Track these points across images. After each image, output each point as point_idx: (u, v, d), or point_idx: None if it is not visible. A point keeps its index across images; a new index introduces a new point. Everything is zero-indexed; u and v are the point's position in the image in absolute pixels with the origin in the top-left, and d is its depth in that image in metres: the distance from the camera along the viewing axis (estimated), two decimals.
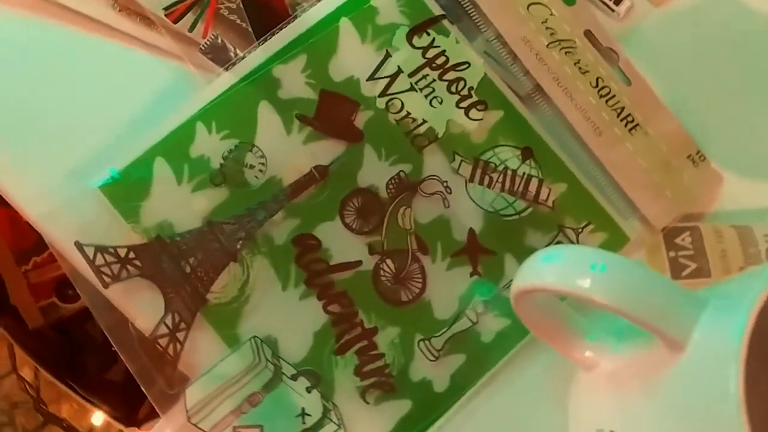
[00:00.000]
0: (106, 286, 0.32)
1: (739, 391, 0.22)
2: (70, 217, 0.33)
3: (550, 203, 0.36)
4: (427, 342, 0.34)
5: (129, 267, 0.33)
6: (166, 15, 0.35)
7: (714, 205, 0.39)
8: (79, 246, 0.32)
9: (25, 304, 0.71)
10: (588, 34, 0.39)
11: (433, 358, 0.34)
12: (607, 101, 0.38)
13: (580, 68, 0.38)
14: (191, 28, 0.36)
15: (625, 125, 0.38)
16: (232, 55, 0.35)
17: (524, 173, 0.36)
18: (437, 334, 0.34)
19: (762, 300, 0.24)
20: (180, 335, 0.33)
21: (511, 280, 0.33)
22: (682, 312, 0.24)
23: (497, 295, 0.35)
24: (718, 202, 0.39)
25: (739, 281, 0.29)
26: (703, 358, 0.24)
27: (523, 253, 0.35)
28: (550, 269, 0.26)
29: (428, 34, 0.37)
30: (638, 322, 0.24)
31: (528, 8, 0.39)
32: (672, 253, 0.36)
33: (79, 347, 0.71)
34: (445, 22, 0.37)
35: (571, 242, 0.36)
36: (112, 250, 0.33)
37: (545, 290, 0.26)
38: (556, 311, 0.30)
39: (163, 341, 0.32)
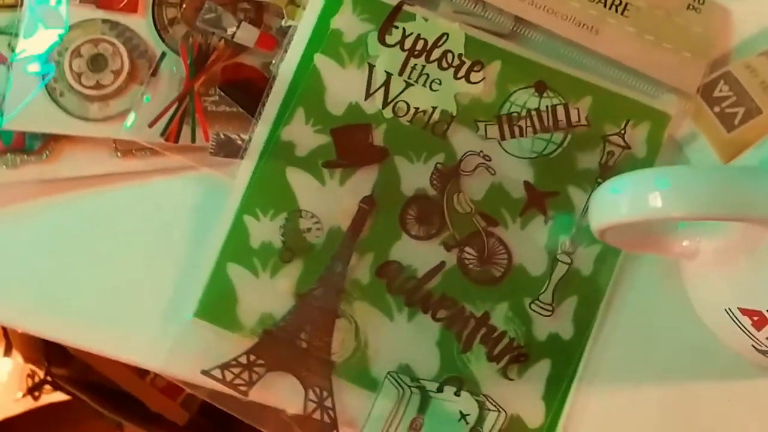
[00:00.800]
0: (245, 394, 0.35)
1: None
2: (184, 354, 0.35)
3: (584, 121, 0.36)
4: (537, 302, 0.35)
5: (255, 369, 0.35)
6: (165, 140, 0.36)
7: (732, 41, 0.38)
8: (205, 373, 0.35)
9: (166, 407, 0.75)
10: None
11: (549, 313, 0.35)
12: None
13: None
14: (193, 138, 0.37)
15: (616, 11, 0.37)
16: (240, 142, 0.37)
17: (547, 106, 0.36)
18: (542, 291, 0.35)
19: None
20: (327, 402, 0.35)
21: (585, 209, 0.34)
22: (756, 194, 0.24)
23: (578, 228, 0.36)
24: (734, 36, 0.38)
25: None
26: None
27: (583, 180, 0.36)
28: (620, 202, 0.27)
29: (397, 27, 0.37)
30: (720, 219, 0.24)
31: None
32: (716, 108, 0.36)
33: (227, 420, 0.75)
34: (405, 8, 0.37)
35: (620, 147, 0.36)
36: (234, 362, 0.35)
37: (621, 224, 0.27)
38: (639, 226, 0.31)
39: (316, 415, 0.35)
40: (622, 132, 0.36)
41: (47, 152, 0.37)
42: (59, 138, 0.37)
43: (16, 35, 0.38)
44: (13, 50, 0.38)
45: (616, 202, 0.27)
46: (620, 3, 0.37)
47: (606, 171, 0.36)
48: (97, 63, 0.37)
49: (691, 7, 0.38)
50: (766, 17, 0.38)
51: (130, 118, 0.37)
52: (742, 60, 0.36)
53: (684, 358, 0.36)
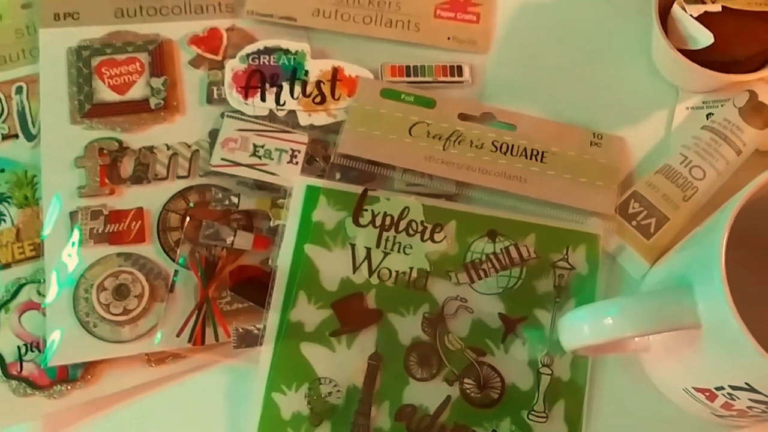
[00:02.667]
0: None
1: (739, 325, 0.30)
2: None
3: (533, 254, 0.44)
4: (533, 412, 0.42)
5: None
6: (192, 344, 0.42)
7: (632, 163, 0.47)
8: None
9: None
10: (461, 115, 0.47)
11: (544, 420, 0.42)
12: (511, 153, 0.46)
13: (476, 145, 0.46)
14: (216, 337, 0.43)
15: (536, 159, 0.46)
16: (256, 331, 0.43)
17: (501, 249, 0.44)
18: (535, 402, 0.42)
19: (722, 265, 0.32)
20: None
21: (552, 325, 0.41)
22: (683, 307, 0.32)
23: (550, 342, 0.43)
24: (633, 158, 0.47)
25: (692, 250, 0.37)
26: (714, 320, 0.32)
27: (544, 302, 0.43)
28: (583, 329, 0.34)
29: (366, 210, 0.45)
30: (662, 332, 0.32)
31: (410, 133, 0.47)
32: (634, 222, 0.44)
33: None
34: (369, 193, 0.45)
35: (567, 269, 0.44)
36: None
37: (586, 346, 0.35)
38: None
39: None
40: (566, 257, 0.44)
41: (89, 376, 0.43)
42: (98, 362, 0.43)
43: (43, 282, 0.43)
44: (43, 295, 0.43)
45: (580, 330, 0.34)
46: (538, 153, 0.46)
47: (561, 291, 0.44)
48: (120, 292, 0.43)
49: (593, 143, 0.47)
50: (654, 140, 0.48)
51: (158, 333, 0.43)
52: (643, 179, 0.45)
53: (659, 428, 0.43)
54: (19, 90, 0.47)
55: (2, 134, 0.46)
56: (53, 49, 0.48)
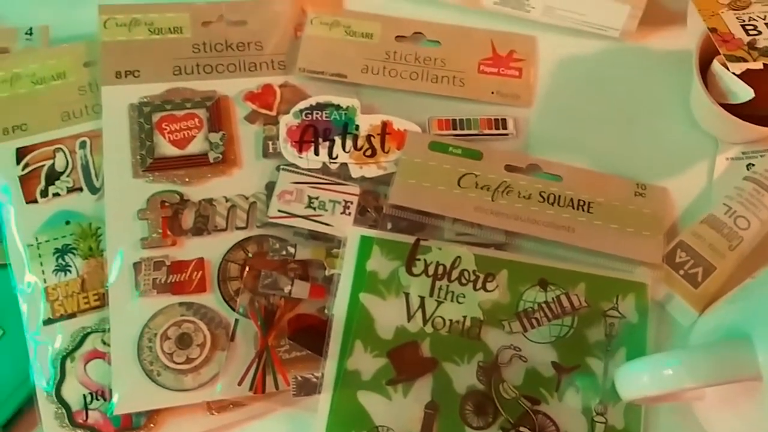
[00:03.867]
0: None
1: None
2: None
3: (584, 303, 0.45)
4: None
5: None
6: (254, 393, 0.43)
7: (677, 213, 0.49)
8: None
9: None
10: (508, 167, 0.49)
11: None
12: (558, 203, 0.48)
13: (524, 196, 0.48)
14: (276, 385, 0.44)
15: (583, 209, 0.48)
16: (314, 380, 0.44)
17: (552, 298, 0.45)
18: None
19: None
20: None
21: (605, 374, 0.42)
22: (743, 359, 0.32)
23: (603, 390, 0.44)
24: (677, 209, 0.49)
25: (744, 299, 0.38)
26: None
27: (596, 350, 0.44)
28: (643, 381, 0.35)
29: (419, 260, 0.46)
30: (722, 384, 0.33)
31: (459, 184, 0.48)
32: (681, 271, 0.45)
33: None
34: (422, 243, 0.46)
35: (617, 318, 0.45)
36: None
37: (645, 396, 0.35)
38: None
39: None
40: (616, 306, 0.45)
41: (152, 424, 0.44)
42: (161, 410, 0.44)
43: (107, 331, 0.45)
44: (107, 344, 0.45)
45: (640, 380, 0.35)
46: (585, 203, 0.48)
47: (612, 339, 0.45)
48: (183, 341, 0.44)
49: (637, 194, 0.49)
50: (696, 190, 0.49)
51: (220, 382, 0.44)
52: (689, 229, 0.47)
53: None
54: (82, 145, 0.49)
55: (67, 187, 0.48)
56: (115, 106, 0.50)
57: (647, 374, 0.35)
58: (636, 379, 0.36)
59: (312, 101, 0.51)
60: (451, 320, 0.45)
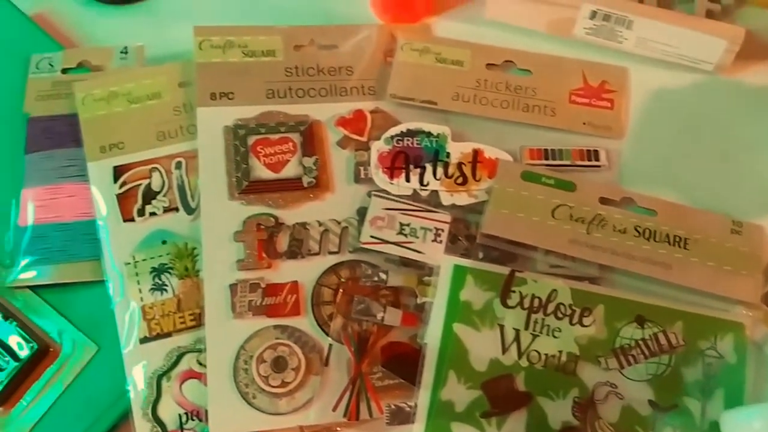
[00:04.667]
0: None
1: None
2: None
3: (682, 342, 0.45)
4: None
5: None
6: (348, 419, 0.43)
7: None
8: None
9: None
10: (602, 199, 0.49)
11: None
12: (654, 239, 0.47)
13: (619, 230, 0.47)
14: (369, 413, 0.44)
15: (679, 246, 0.47)
16: (408, 409, 0.44)
17: (649, 335, 0.45)
18: None
19: None
20: None
21: (703, 415, 0.41)
22: None
23: (700, 430, 0.43)
24: None
25: None
26: None
27: (694, 390, 0.44)
28: (751, 428, 0.35)
29: (514, 291, 0.46)
30: None
31: (553, 216, 0.48)
32: None
33: None
34: (516, 274, 0.46)
35: (715, 358, 0.44)
36: None
37: None
38: None
39: None
40: (714, 345, 0.45)
41: None
42: None
43: (203, 351, 0.45)
44: (203, 365, 0.45)
45: (750, 427, 0.35)
46: (681, 239, 0.47)
47: (709, 380, 0.44)
48: (279, 364, 0.45)
49: (733, 231, 0.48)
50: None
51: (314, 407, 0.44)
52: None
53: None
54: (178, 165, 0.50)
55: (164, 207, 0.49)
56: (211, 127, 0.51)
57: (758, 422, 0.35)
58: (746, 426, 0.35)
59: (403, 128, 0.51)
60: (546, 354, 0.45)
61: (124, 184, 0.49)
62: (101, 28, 0.58)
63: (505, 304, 0.46)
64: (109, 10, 0.58)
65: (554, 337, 0.45)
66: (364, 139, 0.52)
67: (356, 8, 0.58)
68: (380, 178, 0.50)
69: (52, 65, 0.54)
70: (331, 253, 0.48)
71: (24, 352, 0.46)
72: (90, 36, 0.57)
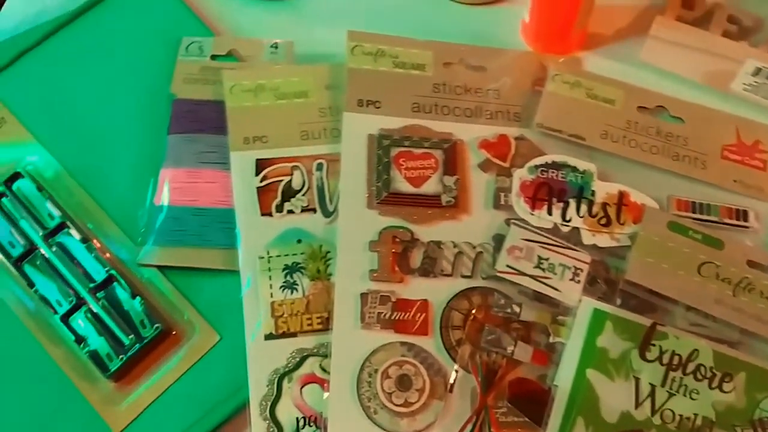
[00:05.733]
0: None
1: None
2: None
3: None
4: None
5: None
6: None
7: None
8: None
9: None
10: (750, 262, 0.47)
11: None
12: None
13: (766, 297, 0.45)
14: None
15: None
16: None
17: None
18: None
19: None
20: None
21: None
22: None
23: None
24: None
25: None
26: None
27: None
28: None
29: (654, 345, 0.44)
30: None
31: (699, 272, 0.46)
32: None
33: None
34: (658, 327, 0.44)
35: None
36: None
37: None
38: None
39: None
40: None
41: None
42: None
43: (327, 357, 0.45)
44: (326, 371, 0.44)
45: None
46: None
47: None
48: (403, 383, 0.44)
49: None
50: None
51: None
52: None
53: None
54: (319, 167, 0.50)
55: (302, 206, 0.49)
56: (355, 134, 0.50)
57: None
58: None
59: (548, 159, 0.50)
60: (681, 416, 0.43)
61: (265, 178, 0.49)
62: (250, 19, 0.58)
63: (643, 357, 0.44)
64: (261, 2, 0.58)
65: (691, 398, 0.43)
66: (506, 165, 0.51)
67: (506, 32, 0.57)
68: (521, 207, 0.49)
69: (201, 50, 0.55)
70: (463, 276, 0.47)
71: (148, 332, 0.46)
72: (238, 26, 0.58)
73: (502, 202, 0.49)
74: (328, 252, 0.47)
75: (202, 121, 0.52)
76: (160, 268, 0.48)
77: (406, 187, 0.49)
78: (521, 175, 0.50)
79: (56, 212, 0.49)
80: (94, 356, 0.45)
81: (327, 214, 0.49)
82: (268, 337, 0.45)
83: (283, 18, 0.58)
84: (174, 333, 0.46)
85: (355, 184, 0.49)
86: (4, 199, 0.50)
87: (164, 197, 0.49)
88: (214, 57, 0.55)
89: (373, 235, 0.47)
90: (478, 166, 0.50)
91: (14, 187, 0.50)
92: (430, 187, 0.49)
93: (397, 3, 0.59)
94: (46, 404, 0.45)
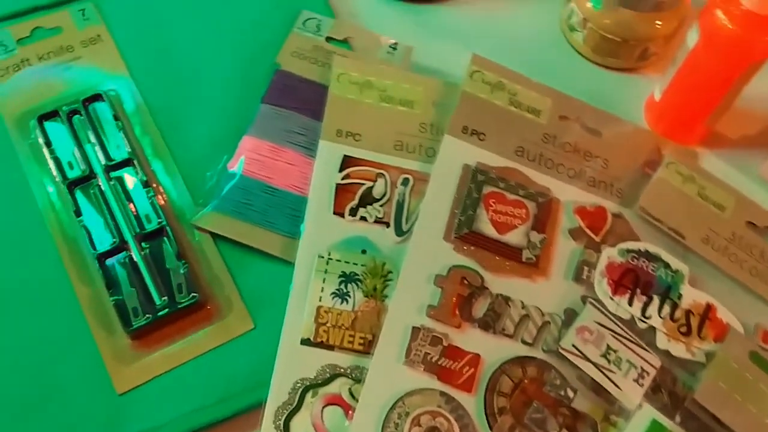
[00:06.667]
0: None
1: None
2: None
3: None
4: None
5: None
6: None
7: None
8: None
9: None
10: None
11: None
12: None
13: None
14: None
15: None
16: None
17: None
18: None
19: None
20: None
21: None
22: None
23: None
24: None
25: None
26: None
27: None
28: None
29: None
30: None
31: None
32: None
33: None
34: None
35: None
36: None
37: None
38: None
39: None
40: None
41: None
42: None
43: (359, 382, 0.41)
44: (354, 398, 0.41)
45: None
46: None
47: None
48: None
49: None
50: None
51: None
52: None
53: None
54: (405, 182, 0.47)
55: (376, 217, 0.45)
56: (451, 159, 0.47)
57: None
58: None
59: (642, 246, 0.47)
60: None
61: (347, 176, 0.46)
62: (373, 12, 0.55)
63: None
64: (391, 0, 0.56)
65: None
66: (597, 238, 0.47)
67: (629, 102, 0.54)
68: (602, 288, 0.45)
69: (318, 28, 0.52)
70: (524, 342, 0.43)
71: (183, 298, 0.43)
72: (359, 14, 0.55)
73: (584, 276, 0.46)
74: (390, 272, 0.44)
75: (300, 100, 0.49)
76: (214, 235, 0.45)
77: (489, 229, 0.46)
78: (611, 254, 0.46)
79: (126, 146, 0.46)
80: (120, 307, 0.42)
81: (400, 232, 0.45)
82: (305, 342, 0.42)
83: (406, 20, 0.56)
84: (208, 307, 0.43)
85: (437, 210, 0.46)
86: (76, 117, 0.48)
87: (239, 165, 0.47)
88: (328, 39, 0.52)
89: (442, 269, 0.44)
90: (569, 231, 0.47)
91: (90, 107, 0.48)
92: (514, 237, 0.46)
93: (524, 37, 0.56)
94: (54, 339, 0.42)
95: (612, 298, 0.45)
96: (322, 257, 0.44)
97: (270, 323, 0.43)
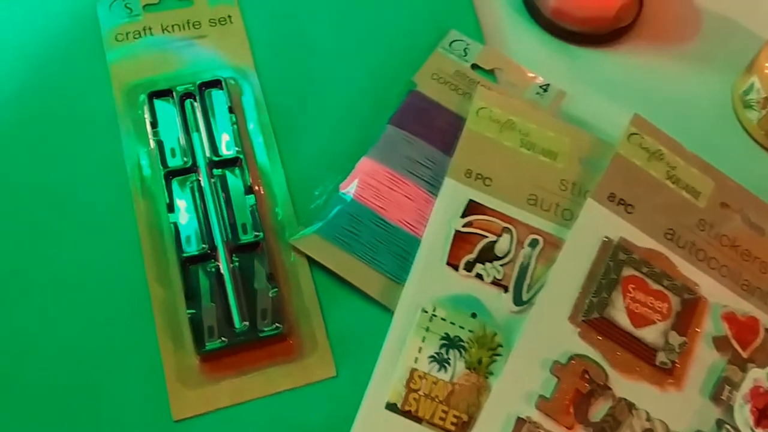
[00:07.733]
0: None
1: None
2: None
3: None
4: None
5: None
6: None
7: None
8: None
9: None
10: None
11: None
12: None
13: None
14: None
15: None
16: None
17: None
18: None
19: None
20: None
21: None
22: None
23: None
24: None
25: None
26: None
27: None
28: None
29: None
30: None
31: None
32: None
33: None
34: None
35: None
36: None
37: None
38: None
39: None
40: None
41: None
42: None
43: None
44: None
45: None
46: None
47: None
48: None
49: None
50: None
51: None
52: None
53: None
54: (533, 243, 0.41)
55: (495, 277, 0.39)
56: (592, 229, 0.41)
57: None
58: None
59: None
60: None
61: (469, 224, 0.41)
62: (526, 46, 0.49)
63: None
64: (548, 39, 0.50)
65: None
66: (744, 354, 0.40)
67: None
68: (743, 415, 0.38)
69: (465, 52, 0.47)
70: None
71: (266, 327, 0.37)
72: (509, 46, 0.49)
73: (723, 397, 0.39)
74: (501, 346, 0.38)
75: (431, 127, 0.44)
76: (310, 261, 0.40)
77: (623, 319, 0.39)
78: (758, 377, 0.39)
79: (235, 143, 0.42)
80: (196, 322, 0.37)
81: (519, 301, 0.39)
82: (390, 407, 0.36)
83: (561, 61, 0.49)
84: (290, 341, 0.38)
85: (567, 284, 0.39)
86: (188, 101, 0.43)
87: (352, 187, 0.42)
88: (474, 66, 0.47)
89: (562, 355, 0.38)
90: (713, 339, 0.40)
91: (206, 93, 0.44)
92: (651, 334, 0.39)
93: (690, 104, 0.49)
94: (116, 335, 0.37)
95: (752, 428, 0.38)
96: (426, 312, 0.38)
97: (354, 375, 0.37)
